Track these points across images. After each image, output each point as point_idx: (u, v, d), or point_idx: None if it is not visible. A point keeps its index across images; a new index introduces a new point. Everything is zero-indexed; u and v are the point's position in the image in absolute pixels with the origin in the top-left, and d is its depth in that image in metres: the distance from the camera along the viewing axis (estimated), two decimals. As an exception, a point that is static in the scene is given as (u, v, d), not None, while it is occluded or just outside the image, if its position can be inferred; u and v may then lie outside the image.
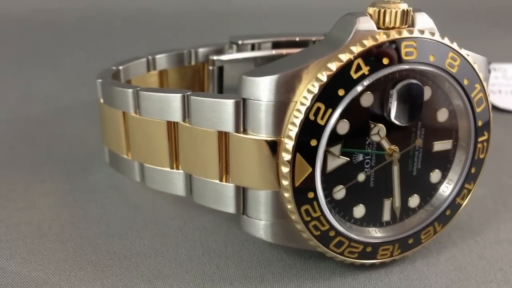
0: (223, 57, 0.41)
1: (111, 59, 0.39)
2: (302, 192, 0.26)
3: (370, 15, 0.26)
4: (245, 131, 0.26)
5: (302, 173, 0.26)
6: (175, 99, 0.28)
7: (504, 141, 0.49)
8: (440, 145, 0.29)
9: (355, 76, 0.25)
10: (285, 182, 0.26)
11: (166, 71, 0.41)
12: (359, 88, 0.25)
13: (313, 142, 0.25)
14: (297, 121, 0.25)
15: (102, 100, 0.33)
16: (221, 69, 0.41)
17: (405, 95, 0.26)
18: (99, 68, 0.37)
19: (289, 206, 0.26)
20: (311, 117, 0.25)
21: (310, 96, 0.25)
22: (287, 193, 0.26)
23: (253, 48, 0.43)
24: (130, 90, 0.30)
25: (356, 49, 0.25)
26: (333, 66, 0.25)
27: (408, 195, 0.29)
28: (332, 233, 0.27)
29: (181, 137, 0.29)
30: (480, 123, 0.29)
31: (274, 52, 0.44)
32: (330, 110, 0.25)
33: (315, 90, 0.25)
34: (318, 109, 0.25)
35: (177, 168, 0.30)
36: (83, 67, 0.38)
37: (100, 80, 0.33)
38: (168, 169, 0.30)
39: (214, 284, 0.28)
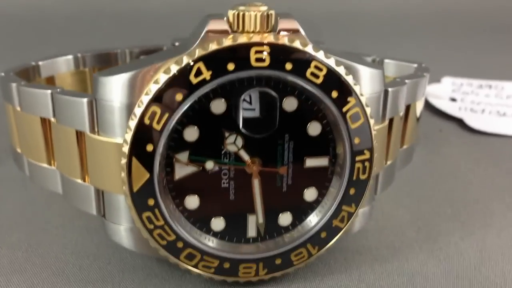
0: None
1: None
2: (141, 198, 0.25)
3: (228, 18, 0.25)
4: (98, 132, 0.26)
5: (140, 178, 0.25)
6: (45, 96, 0.28)
7: (464, 166, 0.45)
8: (313, 161, 0.27)
9: (194, 81, 0.24)
10: (124, 187, 0.25)
11: (98, 70, 0.41)
12: (199, 93, 0.24)
13: (149, 147, 0.24)
14: (132, 124, 0.24)
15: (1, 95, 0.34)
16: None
17: (255, 104, 0.25)
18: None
19: (131, 212, 0.25)
20: (146, 121, 0.24)
21: (146, 99, 0.24)
22: (127, 198, 0.25)
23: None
24: (14, 85, 0.30)
25: (198, 53, 0.24)
26: (173, 69, 0.24)
27: (277, 211, 0.28)
28: (180, 244, 0.26)
29: (53, 134, 0.29)
30: (357, 141, 0.26)
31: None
32: (167, 115, 0.24)
33: (151, 93, 0.24)
34: (154, 113, 0.24)
35: (54, 165, 0.30)
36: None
37: (2, 74, 0.33)
38: (46, 165, 0.30)
39: (69, 285, 0.28)
